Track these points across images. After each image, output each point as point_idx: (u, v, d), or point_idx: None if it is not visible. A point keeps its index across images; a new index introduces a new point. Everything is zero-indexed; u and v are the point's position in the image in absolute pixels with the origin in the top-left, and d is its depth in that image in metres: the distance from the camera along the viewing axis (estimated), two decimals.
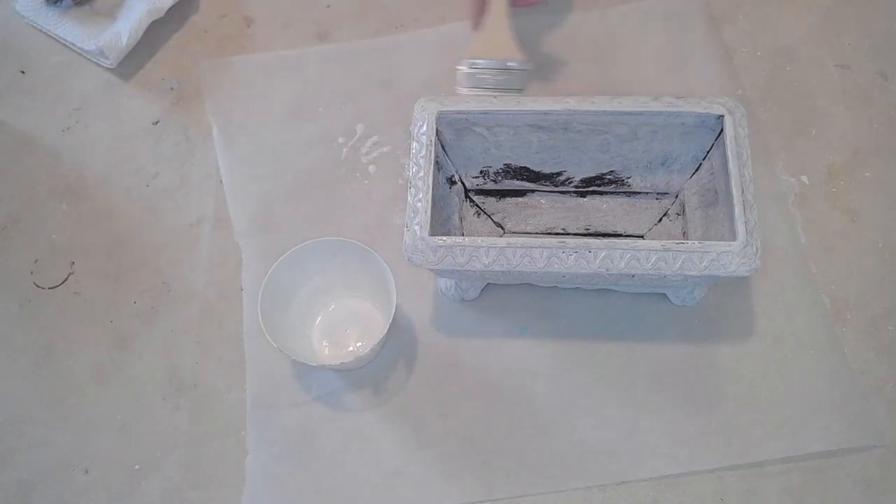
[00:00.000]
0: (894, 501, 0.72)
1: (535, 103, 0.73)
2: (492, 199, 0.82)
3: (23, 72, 0.96)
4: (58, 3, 0.96)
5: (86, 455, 0.76)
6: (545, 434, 0.75)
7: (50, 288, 0.84)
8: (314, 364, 0.72)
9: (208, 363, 0.79)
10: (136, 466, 0.76)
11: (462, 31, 0.94)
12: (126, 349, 0.80)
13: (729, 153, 0.69)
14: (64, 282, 0.84)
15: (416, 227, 0.68)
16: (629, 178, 0.79)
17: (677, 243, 0.66)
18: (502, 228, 0.81)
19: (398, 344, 0.79)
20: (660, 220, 0.80)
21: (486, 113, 0.73)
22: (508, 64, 0.81)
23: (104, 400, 0.78)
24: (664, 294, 0.79)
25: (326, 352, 0.78)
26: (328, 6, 0.98)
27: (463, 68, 0.82)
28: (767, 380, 0.76)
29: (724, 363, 0.77)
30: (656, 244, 0.66)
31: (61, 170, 0.90)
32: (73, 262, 0.85)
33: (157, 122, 0.92)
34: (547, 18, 0.95)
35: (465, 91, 0.82)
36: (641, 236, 0.80)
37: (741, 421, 0.74)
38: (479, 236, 0.70)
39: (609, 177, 0.79)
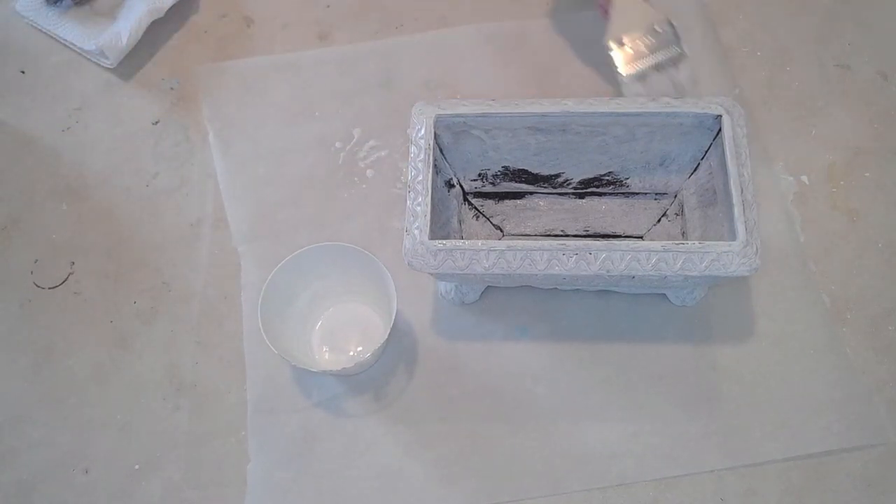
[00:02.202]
0: (894, 501, 0.72)
1: (533, 105, 0.72)
2: (490, 202, 0.82)
3: (23, 72, 0.96)
4: (58, 3, 0.96)
5: (86, 455, 0.76)
6: (546, 436, 0.75)
7: (50, 288, 0.84)
8: (315, 370, 0.72)
9: (208, 363, 0.80)
10: (136, 466, 0.76)
11: (462, 34, 0.94)
12: (126, 349, 0.81)
13: (727, 153, 0.69)
14: (64, 282, 0.84)
15: (416, 231, 0.68)
16: (627, 178, 0.79)
17: (677, 244, 0.66)
18: (501, 231, 0.81)
19: (398, 348, 0.79)
20: (658, 220, 0.80)
21: (483, 116, 0.73)
22: (656, 27, 0.83)
23: (104, 400, 0.79)
24: (664, 295, 0.79)
25: (327, 357, 0.78)
26: (328, 6, 0.98)
27: (615, 49, 0.84)
28: (768, 380, 0.76)
29: (725, 364, 0.77)
30: (656, 245, 0.66)
31: (61, 170, 0.90)
32: (73, 262, 0.85)
33: (157, 122, 0.92)
34: (544, 20, 0.95)
35: (628, 70, 0.83)
36: (640, 237, 0.80)
37: (742, 421, 0.74)
38: (478, 239, 0.70)
39: (607, 178, 0.79)
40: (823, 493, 0.72)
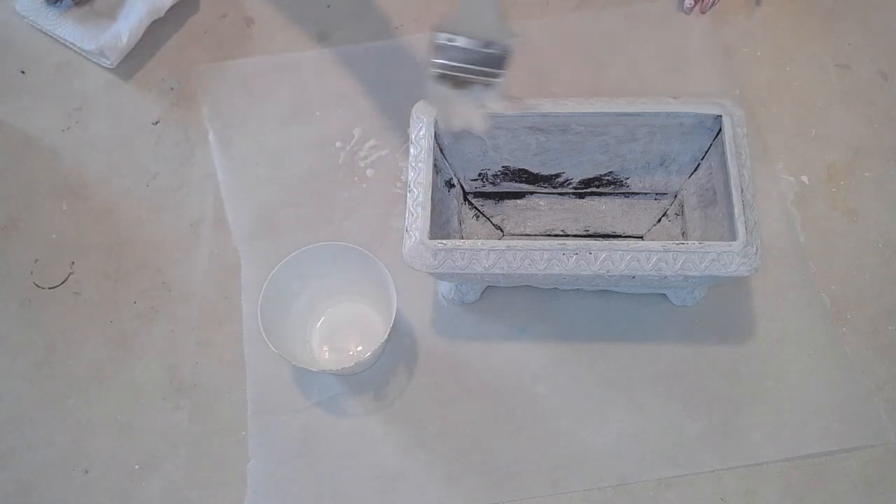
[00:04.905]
0: (894, 501, 0.72)
1: (533, 105, 0.72)
2: (490, 202, 0.82)
3: (23, 72, 0.96)
4: (58, 3, 0.96)
5: (86, 455, 0.76)
6: (546, 436, 0.75)
7: (50, 288, 0.84)
8: (315, 370, 0.72)
9: (208, 363, 0.79)
10: (136, 466, 0.76)
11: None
12: (126, 349, 0.80)
13: (728, 153, 0.69)
14: (64, 282, 0.84)
15: (416, 231, 0.68)
16: (628, 178, 0.79)
17: (677, 244, 0.66)
18: (501, 231, 0.81)
19: (398, 348, 0.79)
20: (659, 220, 0.80)
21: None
22: (488, 47, 0.67)
23: (104, 400, 0.79)
24: (664, 295, 0.79)
25: (327, 356, 0.78)
26: (328, 6, 0.98)
27: (439, 41, 0.67)
28: (767, 380, 0.76)
29: (725, 364, 0.77)
30: (656, 245, 0.66)
31: (61, 170, 0.90)
32: (73, 262, 0.85)
33: (157, 122, 0.92)
34: (544, 20, 0.95)
35: (436, 68, 0.68)
36: (641, 237, 0.80)
37: (742, 422, 0.74)
38: (478, 239, 0.70)
39: (608, 178, 0.79)
40: (823, 494, 0.72)
